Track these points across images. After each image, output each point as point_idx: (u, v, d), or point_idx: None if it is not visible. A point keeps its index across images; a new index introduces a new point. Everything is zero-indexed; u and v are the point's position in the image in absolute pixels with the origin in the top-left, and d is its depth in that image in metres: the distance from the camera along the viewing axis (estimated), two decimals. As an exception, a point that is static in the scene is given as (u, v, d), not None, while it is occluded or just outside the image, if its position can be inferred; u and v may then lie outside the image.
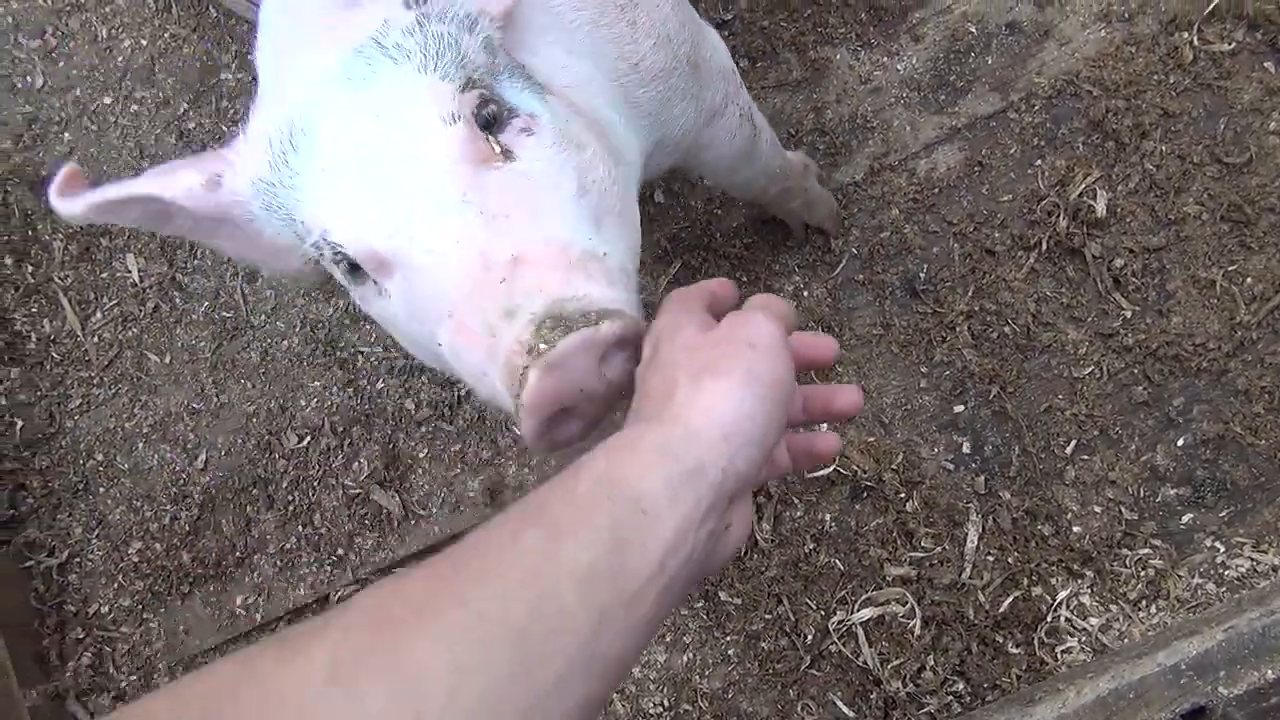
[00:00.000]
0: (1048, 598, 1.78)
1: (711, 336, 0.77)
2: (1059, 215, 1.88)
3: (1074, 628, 1.76)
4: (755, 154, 1.63)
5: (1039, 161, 1.95)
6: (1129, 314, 1.85)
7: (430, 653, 0.56)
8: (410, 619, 0.58)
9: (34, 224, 2.36)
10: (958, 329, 1.90)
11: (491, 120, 0.95)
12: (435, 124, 0.92)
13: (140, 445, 2.21)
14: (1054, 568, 1.80)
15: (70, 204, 1.06)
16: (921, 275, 1.94)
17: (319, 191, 0.98)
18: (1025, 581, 1.79)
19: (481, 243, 0.87)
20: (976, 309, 1.90)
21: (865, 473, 1.87)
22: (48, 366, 2.29)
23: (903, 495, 1.86)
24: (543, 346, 0.79)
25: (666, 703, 1.89)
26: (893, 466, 1.87)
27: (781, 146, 1.75)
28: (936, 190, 1.96)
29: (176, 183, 1.04)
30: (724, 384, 0.72)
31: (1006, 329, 1.88)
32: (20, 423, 2.27)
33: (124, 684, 2.13)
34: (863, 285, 1.97)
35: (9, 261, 2.34)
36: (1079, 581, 1.78)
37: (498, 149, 0.94)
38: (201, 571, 2.13)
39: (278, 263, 1.13)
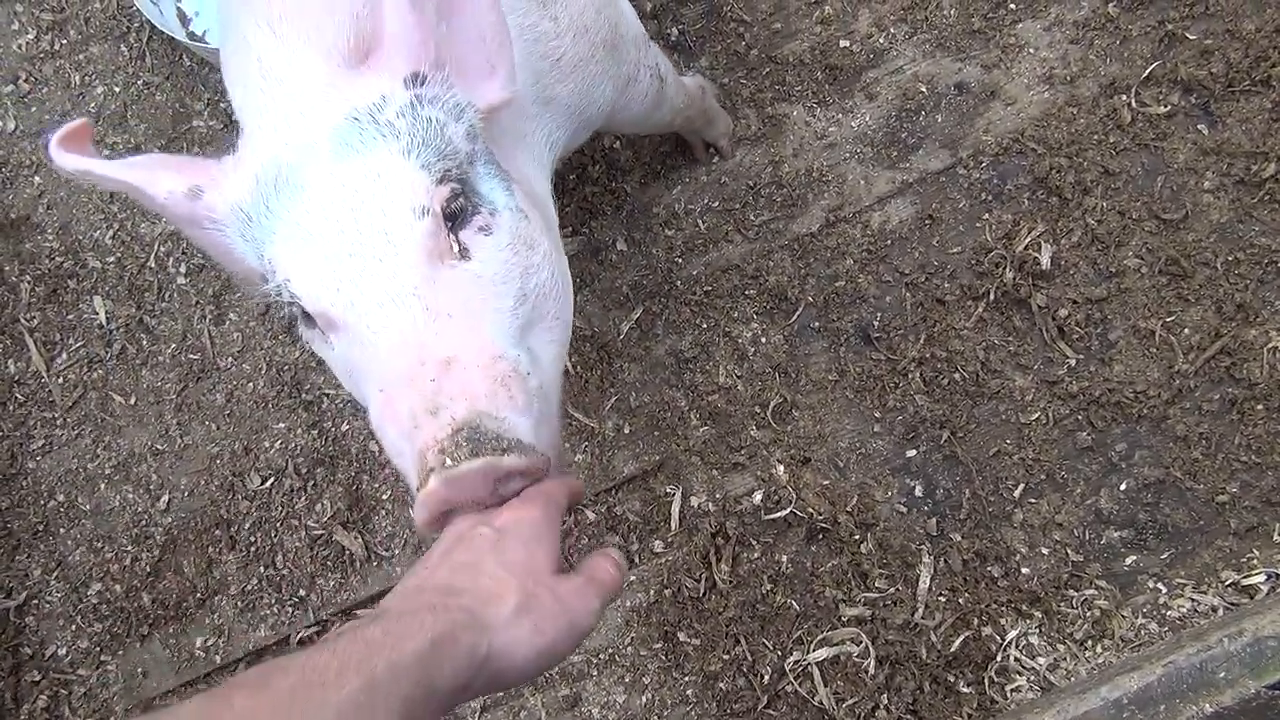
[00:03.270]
0: (997, 637, 1.83)
1: (554, 587, 0.86)
2: (1006, 267, 1.96)
3: (1023, 667, 1.80)
4: (663, 100, 1.74)
5: (986, 215, 2.02)
6: (1073, 362, 1.92)
7: None
8: None
9: (1, 266, 2.38)
10: (910, 375, 1.96)
11: (457, 214, 1.02)
12: (406, 214, 0.98)
13: (103, 486, 2.21)
14: (1003, 608, 1.85)
15: (66, 158, 1.11)
16: (875, 323, 2.00)
17: (291, 241, 1.03)
18: (976, 621, 1.84)
19: (421, 339, 0.95)
20: (928, 356, 1.96)
21: (821, 515, 1.91)
22: (10, 407, 2.30)
23: (857, 537, 1.90)
24: (448, 462, 0.88)
25: (625, 743, 1.91)
26: (847, 509, 1.92)
27: (680, 78, 1.84)
28: (889, 242, 2.04)
29: (160, 182, 1.10)
30: (536, 643, 0.82)
31: (956, 375, 1.95)
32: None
33: (79, 727, 2.12)
34: (818, 332, 2.03)
35: (-25, 303, 2.35)
36: (1028, 622, 1.83)
37: (456, 247, 1.00)
38: (162, 613, 2.13)
39: (239, 277, 1.19)
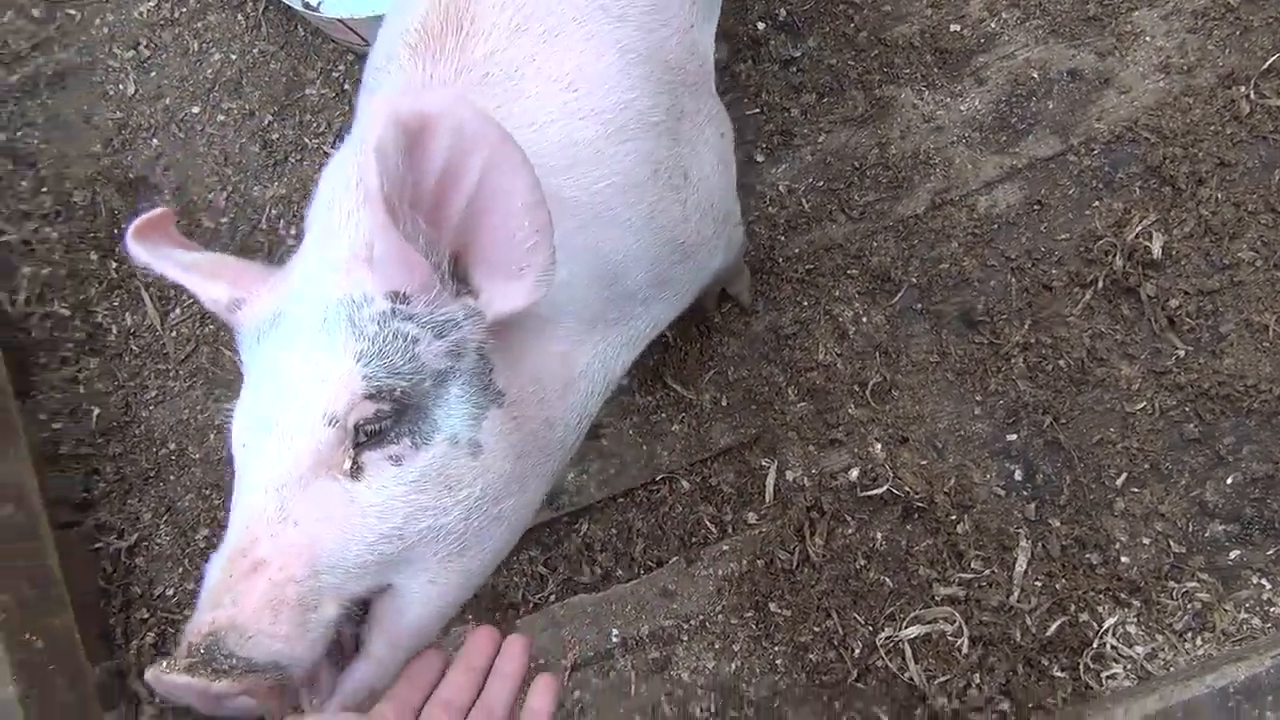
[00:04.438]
0: (1094, 624, 1.82)
1: None
2: (1115, 255, 1.95)
3: (1120, 655, 1.80)
4: (731, 249, 1.70)
5: (1096, 203, 2.01)
6: (1182, 353, 1.90)
7: None
8: None
9: (120, 222, 2.46)
10: (1013, 360, 1.96)
11: (373, 434, 1.00)
12: (317, 416, 0.98)
13: (212, 436, 2.29)
14: (1101, 596, 1.84)
15: (138, 247, 1.16)
16: (979, 306, 2.00)
17: (250, 381, 1.08)
18: (1072, 607, 1.83)
19: (256, 533, 0.97)
20: (1033, 341, 1.96)
21: (917, 494, 1.92)
22: (126, 359, 2.38)
23: (954, 518, 1.91)
24: (165, 665, 0.91)
25: (714, 708, 1.93)
26: (945, 490, 1.92)
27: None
28: (996, 226, 2.03)
29: (210, 291, 1.14)
30: None
31: (1061, 362, 1.94)
32: (96, 410, 2.36)
33: (183, 667, 2.19)
34: (921, 314, 2.03)
35: (94, 257, 2.44)
36: (1126, 610, 1.82)
37: (347, 464, 0.99)
38: (264, 561, 2.19)
39: None
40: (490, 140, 0.93)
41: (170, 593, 2.23)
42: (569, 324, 1.21)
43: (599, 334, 1.26)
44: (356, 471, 0.99)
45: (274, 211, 2.40)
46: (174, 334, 2.37)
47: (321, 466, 0.98)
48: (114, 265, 2.43)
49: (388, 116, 0.87)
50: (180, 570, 2.24)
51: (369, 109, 0.97)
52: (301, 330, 1.03)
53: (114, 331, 2.40)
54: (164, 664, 0.91)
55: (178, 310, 2.38)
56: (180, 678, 0.90)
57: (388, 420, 1.00)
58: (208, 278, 1.14)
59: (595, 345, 1.26)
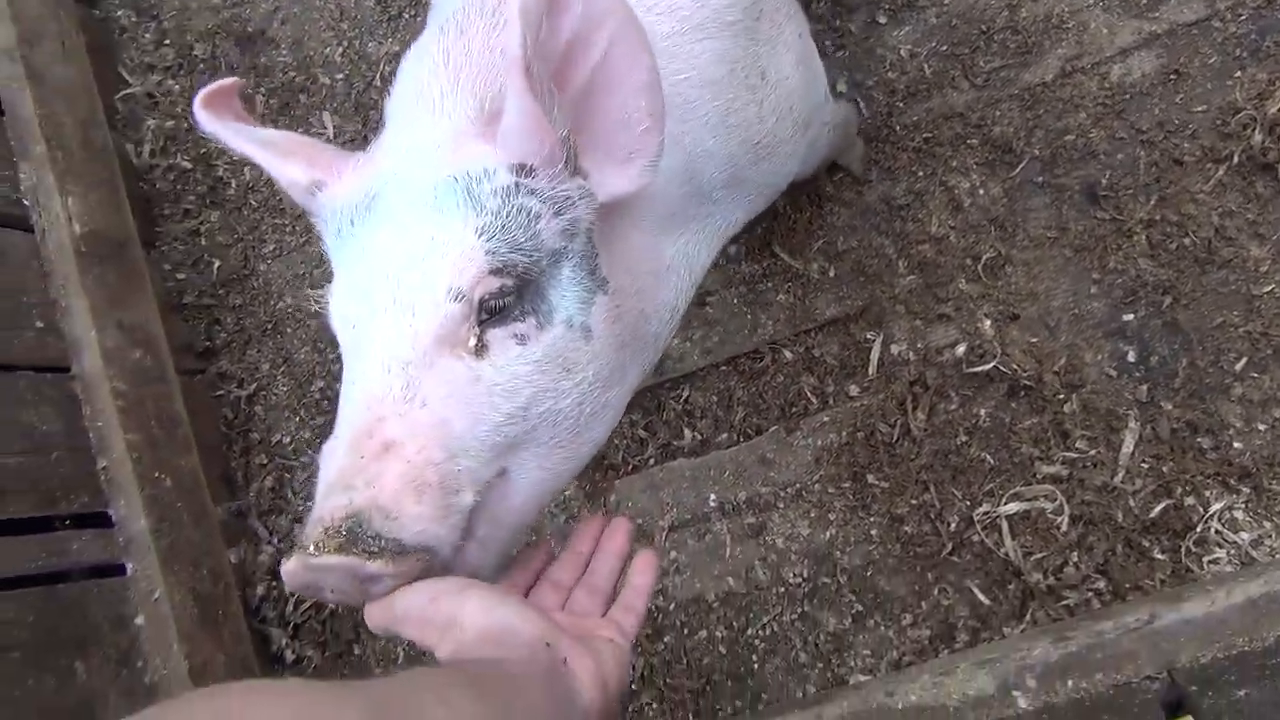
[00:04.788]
0: (1200, 509, 1.79)
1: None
2: (1255, 129, 1.84)
3: (1224, 540, 1.77)
4: (823, 143, 1.66)
5: (1239, 73, 1.90)
6: (1318, 235, 1.81)
7: None
8: None
9: (240, 77, 2.49)
10: (1135, 237, 1.89)
11: (499, 310, 0.98)
12: (441, 291, 0.96)
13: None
14: (1209, 480, 1.80)
15: (207, 117, 1.11)
16: (1103, 181, 1.92)
17: (349, 262, 1.05)
18: (1178, 491, 1.80)
19: (383, 412, 0.93)
20: (1157, 218, 1.88)
21: (1025, 372, 1.89)
22: (245, 212, 2.45)
23: (1061, 397, 1.88)
24: (312, 549, 0.86)
25: (806, 574, 1.97)
26: (1054, 369, 1.89)
27: (832, 124, 1.77)
28: (1128, 96, 1.94)
29: (286, 170, 1.10)
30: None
31: (1186, 240, 1.87)
32: (218, 263, 2.44)
33: (300, 508, 2.31)
34: (1041, 187, 1.96)
35: (214, 111, 2.49)
36: (1234, 496, 1.79)
37: (473, 342, 0.97)
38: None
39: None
40: (619, 15, 0.91)
41: (287, 440, 2.33)
42: (652, 219, 1.20)
43: (678, 229, 1.25)
44: (481, 349, 0.97)
45: (388, 69, 2.41)
46: (290, 190, 2.42)
47: (446, 344, 0.96)
48: (232, 120, 2.47)
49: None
50: (296, 420, 2.33)
51: None
52: (410, 208, 1.01)
53: (233, 185, 2.46)
54: (308, 548, 0.87)
55: (293, 166, 2.42)
56: (331, 559, 0.86)
57: (511, 297, 0.98)
58: (283, 155, 1.11)
59: (676, 241, 1.25)
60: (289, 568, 0.88)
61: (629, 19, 0.92)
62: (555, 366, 1.01)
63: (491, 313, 0.98)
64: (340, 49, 2.44)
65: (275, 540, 2.31)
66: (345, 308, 1.03)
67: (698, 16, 1.18)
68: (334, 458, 0.94)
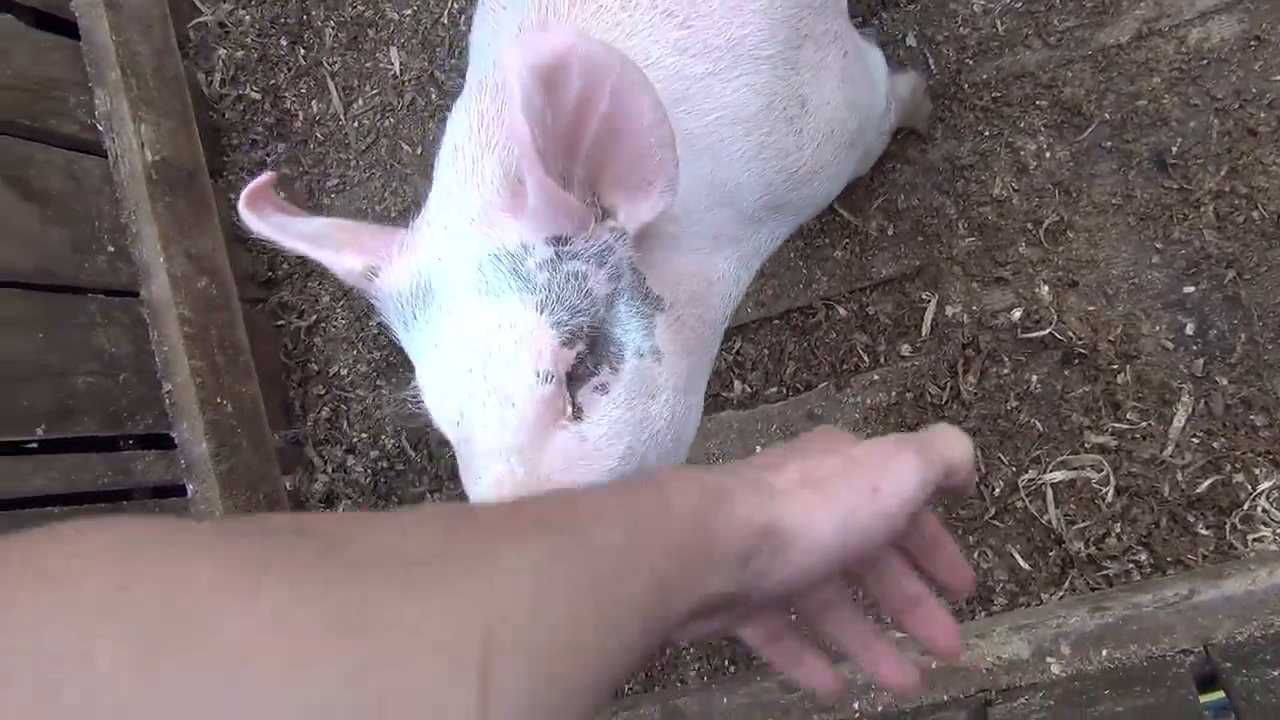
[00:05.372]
0: (1248, 486, 1.78)
1: (842, 457, 0.67)
2: (1335, 102, 1.80)
3: (1270, 519, 1.76)
4: (868, 161, 1.69)
5: (1323, 43, 1.84)
6: (1394, 214, 1.77)
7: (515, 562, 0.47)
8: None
9: (309, 9, 2.51)
10: (1203, 208, 1.86)
11: (581, 373, 1.03)
12: (529, 375, 1.00)
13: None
14: (1260, 458, 1.79)
15: (252, 220, 1.14)
16: (1173, 149, 1.89)
17: (427, 358, 1.08)
18: (1228, 467, 1.79)
19: (517, 495, 0.98)
20: (1226, 190, 1.85)
21: (1080, 340, 1.88)
22: (311, 145, 2.48)
23: (1115, 367, 1.86)
24: None
25: (848, 530, 1.99)
26: (1110, 338, 1.87)
27: (899, 95, 1.76)
28: (1205, 62, 1.89)
29: (342, 263, 1.12)
30: (827, 512, 0.63)
31: (1255, 214, 1.83)
32: (283, 194, 2.46)
33: (355, 439, 2.38)
34: (1109, 152, 1.93)
35: (284, 43, 2.51)
36: (1286, 476, 1.77)
37: (569, 410, 1.03)
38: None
39: None
40: (615, 67, 0.92)
41: (344, 372, 2.39)
42: (696, 241, 1.23)
43: (726, 247, 1.28)
44: (578, 413, 1.03)
45: (455, 6, 2.41)
46: (356, 125, 2.45)
47: (548, 420, 1.02)
48: (302, 52, 2.50)
49: (522, 67, 0.85)
50: (354, 353, 2.39)
51: (500, 60, 0.94)
52: (465, 294, 1.04)
53: (300, 118, 2.49)
54: None
55: (360, 101, 2.45)
56: None
57: (585, 360, 1.04)
58: (337, 249, 1.13)
59: (725, 257, 1.28)
60: None
61: (625, 67, 0.93)
62: (641, 397, 1.08)
63: (574, 377, 1.04)
64: (409, -15, 2.45)
65: (329, 469, 2.38)
66: (442, 409, 1.08)
67: (731, 55, 1.18)
68: None
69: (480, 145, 1.09)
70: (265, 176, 1.16)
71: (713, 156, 1.18)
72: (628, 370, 1.07)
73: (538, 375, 1.01)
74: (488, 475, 1.02)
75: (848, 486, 0.64)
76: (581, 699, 0.46)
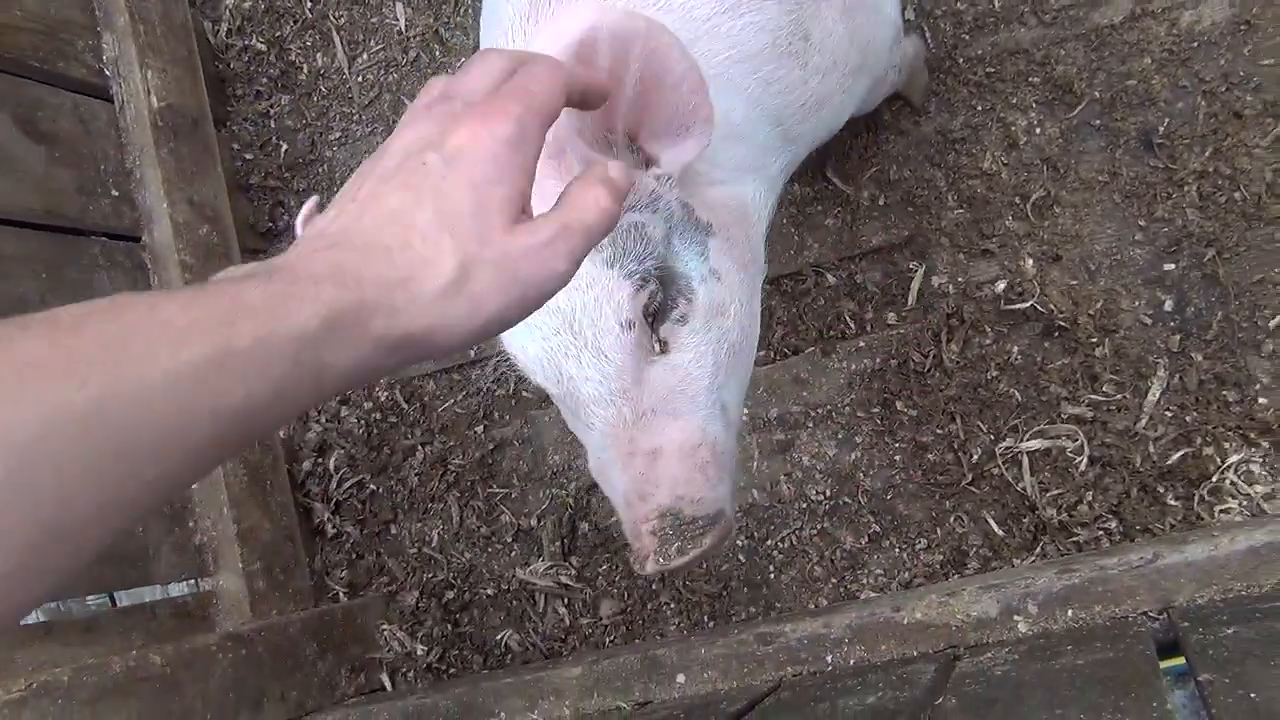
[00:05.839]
0: (1218, 459, 1.83)
1: (506, 247, 0.69)
2: (1320, 88, 1.83)
3: (1238, 491, 1.81)
4: (887, 84, 1.76)
5: (1312, 29, 1.88)
6: (1371, 199, 1.81)
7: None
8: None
9: (315, -36, 2.54)
10: (1186, 188, 1.90)
11: (658, 311, 1.15)
12: (614, 327, 1.11)
13: (388, 182, 2.42)
14: (1230, 433, 1.84)
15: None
16: (1160, 129, 1.93)
17: (516, 325, 1.16)
18: (1199, 441, 1.84)
19: (630, 434, 1.14)
20: (1210, 170, 1.89)
21: (1061, 313, 1.92)
22: (314, 98, 2.51)
23: (1094, 340, 1.91)
24: (661, 560, 1.12)
25: (829, 493, 2.04)
26: (1090, 312, 1.92)
27: (902, 52, 1.81)
28: (1195, 44, 1.93)
29: None
30: (471, 322, 0.68)
31: (1237, 195, 1.87)
32: (285, 146, 2.51)
33: (349, 390, 2.41)
34: (1097, 130, 1.97)
35: (290, -5, 2.54)
36: (1253, 450, 1.82)
37: (657, 346, 1.15)
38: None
39: None
40: (640, 32, 0.97)
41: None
42: (721, 173, 1.30)
43: (750, 174, 1.35)
44: (664, 346, 1.15)
45: (459, -35, 2.43)
46: (360, 79, 2.48)
47: (639, 360, 1.13)
48: (308, 5, 2.52)
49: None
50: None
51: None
52: None
53: (305, 70, 2.52)
54: (658, 559, 1.12)
55: (364, 56, 2.48)
56: (680, 560, 1.11)
57: (659, 296, 1.14)
58: None
59: (752, 181, 1.35)
60: (649, 568, 1.13)
61: (651, 30, 0.97)
62: (714, 318, 1.19)
63: (654, 315, 1.15)
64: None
65: (323, 419, 2.42)
66: (542, 371, 1.19)
67: None
68: (615, 480, 1.17)
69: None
70: (311, 202, 1.19)
71: (724, 95, 1.22)
72: (699, 296, 1.17)
73: (620, 325, 1.12)
74: (599, 421, 1.15)
75: (500, 298, 0.69)
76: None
